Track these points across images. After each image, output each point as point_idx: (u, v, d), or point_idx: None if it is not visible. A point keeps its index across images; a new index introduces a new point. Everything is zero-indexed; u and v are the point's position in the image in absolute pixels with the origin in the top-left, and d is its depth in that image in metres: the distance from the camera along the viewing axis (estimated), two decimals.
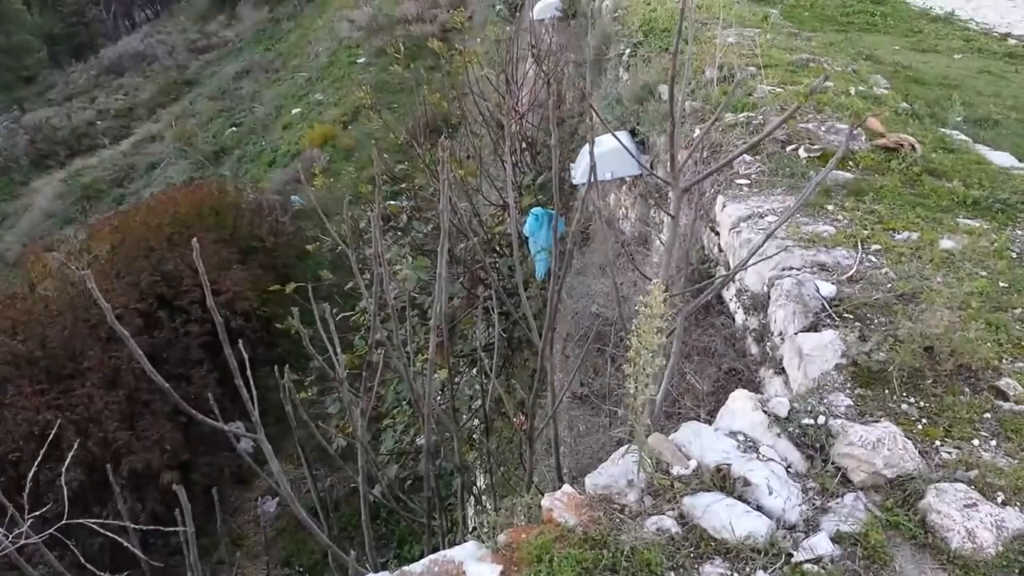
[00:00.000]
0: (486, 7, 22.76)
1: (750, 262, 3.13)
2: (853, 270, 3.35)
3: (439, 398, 5.90)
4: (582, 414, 4.50)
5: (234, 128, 28.99)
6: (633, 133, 6.35)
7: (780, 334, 3.26)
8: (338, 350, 4.10)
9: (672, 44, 6.41)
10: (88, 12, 58.89)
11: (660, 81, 6.12)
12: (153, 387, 11.08)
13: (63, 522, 3.24)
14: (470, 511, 5.77)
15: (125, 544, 3.59)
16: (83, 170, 32.46)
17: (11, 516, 3.07)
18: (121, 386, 11.54)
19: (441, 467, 6.40)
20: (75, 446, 9.87)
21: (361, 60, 27.74)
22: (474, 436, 6.69)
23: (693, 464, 2.29)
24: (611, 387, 4.32)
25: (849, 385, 2.71)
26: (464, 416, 6.42)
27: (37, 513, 3.08)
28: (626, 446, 2.32)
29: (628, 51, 7.46)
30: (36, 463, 3.85)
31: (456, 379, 7.66)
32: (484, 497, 5.71)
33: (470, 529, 4.76)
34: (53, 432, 7.67)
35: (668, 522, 2.11)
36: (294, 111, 26.87)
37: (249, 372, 3.60)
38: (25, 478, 3.62)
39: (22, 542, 2.97)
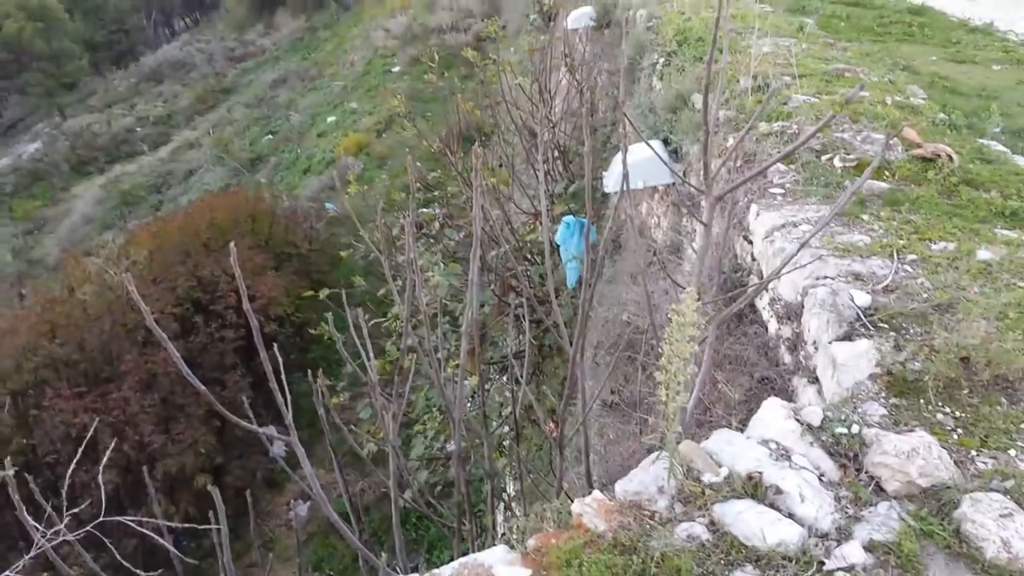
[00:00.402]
0: (520, 17, 22.88)
1: (784, 271, 3.12)
2: (888, 280, 3.32)
3: (469, 405, 5.92)
4: (612, 421, 4.50)
5: (270, 136, 29.41)
6: (666, 142, 6.35)
7: (814, 343, 3.24)
8: (371, 355, 4.15)
9: (706, 54, 6.42)
10: (128, 20, 60.21)
11: (694, 90, 6.12)
12: (188, 391, 11.27)
13: (99, 520, 3.31)
14: (499, 517, 5.78)
15: (160, 542, 3.66)
16: (122, 176, 33.11)
17: (48, 516, 3.15)
18: (156, 390, 11.75)
19: (471, 473, 6.42)
20: (111, 448, 10.08)
21: (395, 69, 28.02)
22: (504, 443, 6.71)
23: (724, 472, 2.29)
24: (641, 395, 4.32)
25: (883, 395, 2.68)
26: (494, 423, 6.44)
27: (74, 511, 3.15)
28: (657, 453, 2.32)
29: (662, 60, 7.47)
30: (73, 464, 3.94)
31: (487, 386, 7.69)
32: (514, 503, 5.72)
33: (499, 535, 4.77)
34: (90, 434, 7.82)
35: (698, 529, 2.10)
36: (329, 119, 27.19)
37: (283, 377, 3.66)
38: (62, 479, 3.70)
39: (59, 539, 3.04)
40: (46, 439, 10.88)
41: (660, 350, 2.26)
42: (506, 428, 6.40)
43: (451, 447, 5.80)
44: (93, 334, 12.55)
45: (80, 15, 52.69)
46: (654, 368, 4.19)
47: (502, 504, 5.90)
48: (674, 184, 6.03)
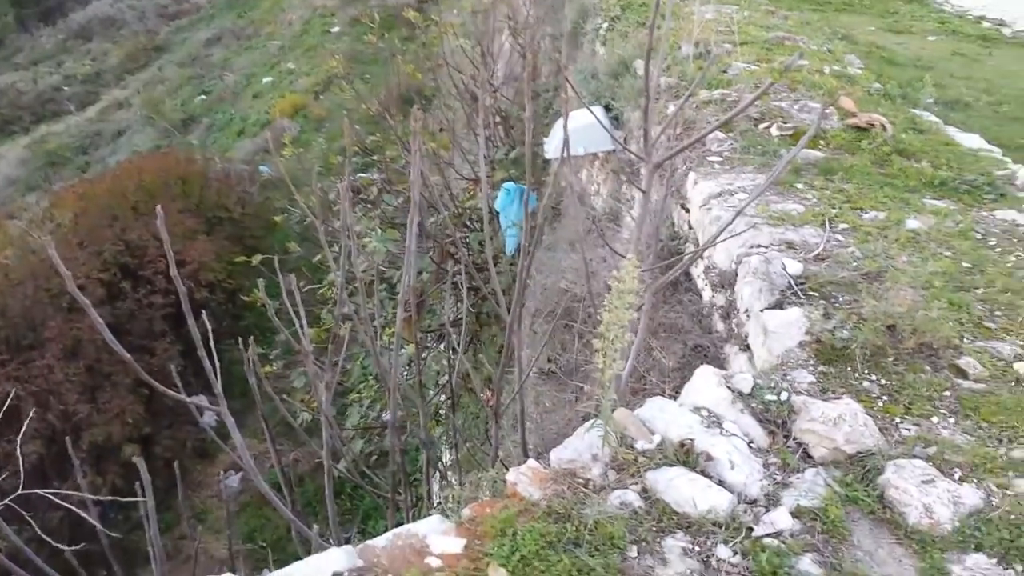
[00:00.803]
0: None
1: (719, 239, 3.12)
2: (820, 248, 3.36)
3: (406, 373, 5.86)
4: (549, 390, 4.50)
5: (203, 96, 28.47)
6: (608, 108, 6.31)
7: (746, 311, 3.27)
8: (304, 323, 4.04)
9: (649, 19, 6.38)
10: None
11: (636, 56, 6.08)
12: (115, 359, 10.92)
13: (19, 492, 3.17)
14: (435, 486, 5.77)
15: (84, 517, 3.53)
16: (48, 136, 31.75)
17: None
18: (82, 357, 11.35)
19: (407, 442, 6.39)
20: (31, 418, 9.73)
21: (335, 29, 27.31)
22: (440, 411, 6.68)
23: (657, 439, 2.29)
24: (578, 363, 4.32)
25: (812, 362, 2.72)
26: (431, 391, 6.41)
27: None
28: (592, 420, 2.31)
29: (605, 25, 7.41)
30: None
31: (423, 354, 7.63)
32: (450, 472, 5.71)
33: (435, 504, 4.75)
34: (8, 402, 7.53)
35: (631, 496, 2.10)
36: (265, 80, 26.43)
37: (213, 345, 3.53)
38: None
39: None
40: None
41: (598, 317, 2.23)
42: (443, 397, 6.37)
43: (387, 416, 5.74)
44: (15, 300, 12.04)
45: None
46: (591, 336, 4.19)
47: (438, 473, 5.89)
48: (615, 151, 6.00)
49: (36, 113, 36.15)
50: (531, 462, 2.30)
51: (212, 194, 16.42)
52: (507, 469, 2.33)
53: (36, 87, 38.42)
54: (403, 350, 4.41)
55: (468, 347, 7.43)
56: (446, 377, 5.58)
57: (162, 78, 32.86)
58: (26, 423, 8.76)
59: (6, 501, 3.06)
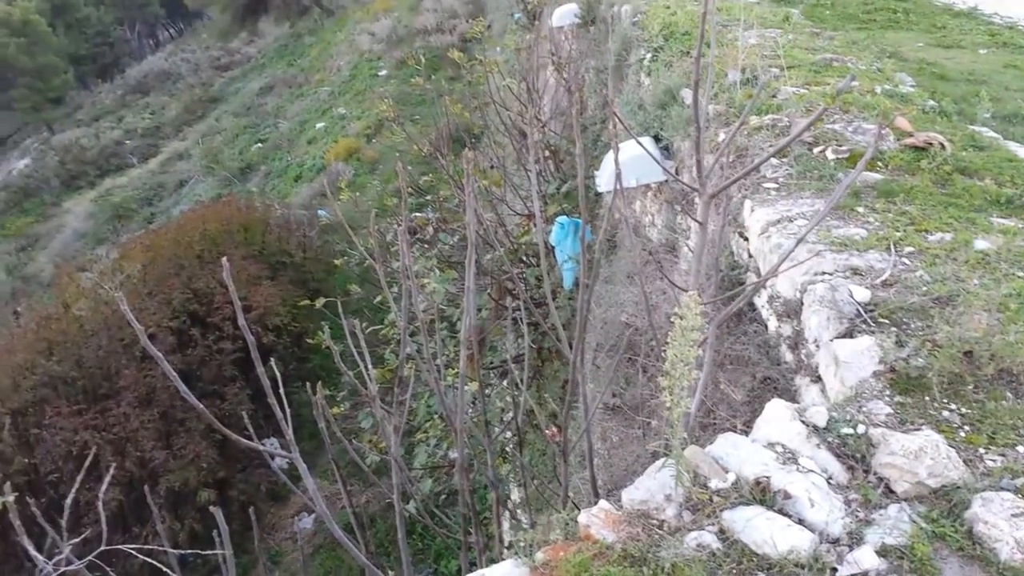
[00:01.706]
0: (504, 16, 22.84)
1: (781, 268, 3.10)
2: (887, 274, 3.30)
3: (470, 411, 5.90)
4: (615, 425, 4.48)
5: (259, 144, 29.33)
6: (657, 139, 6.32)
7: (815, 341, 3.22)
8: (369, 365, 4.12)
9: (693, 47, 6.39)
10: (112, 32, 60.02)
11: (682, 85, 6.09)
12: (188, 405, 11.17)
13: (103, 548, 3.28)
14: (505, 525, 5.76)
15: (165, 560, 3.64)
16: (113, 189, 33.02)
17: (52, 541, 3.12)
18: (156, 404, 11.69)
19: (475, 481, 6.40)
20: (113, 467, 10.02)
21: (382, 73, 27.96)
22: (506, 449, 6.68)
23: (732, 477, 2.27)
24: (643, 397, 4.30)
25: (888, 392, 2.66)
26: (496, 429, 6.42)
27: (77, 540, 3.12)
28: (663, 460, 2.30)
29: (649, 56, 7.44)
30: (76, 486, 3.91)
31: (487, 391, 7.66)
32: (519, 511, 5.70)
33: (506, 544, 4.75)
34: (91, 455, 7.78)
35: (708, 537, 2.08)
36: (318, 125, 27.12)
37: (282, 389, 3.63)
38: (64, 498, 3.68)
39: (63, 569, 3.01)
40: (48, 458, 10.82)
41: (661, 352, 2.23)
42: (508, 434, 6.38)
43: (454, 455, 5.78)
44: (90, 350, 12.48)
45: (63, 29, 52.49)
46: (655, 370, 4.17)
47: (507, 512, 5.88)
48: (667, 181, 6.00)
49: (100, 167, 37.66)
50: (603, 503, 2.30)
51: (274, 240, 16.86)
52: (578, 509, 2.34)
53: (99, 142, 40.07)
54: (467, 388, 4.45)
55: (531, 383, 7.44)
56: (510, 414, 5.60)
57: (219, 128, 33.97)
58: (109, 474, 9.03)
59: (90, 557, 3.17)
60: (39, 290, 24.66)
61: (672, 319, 2.22)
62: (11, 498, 2.71)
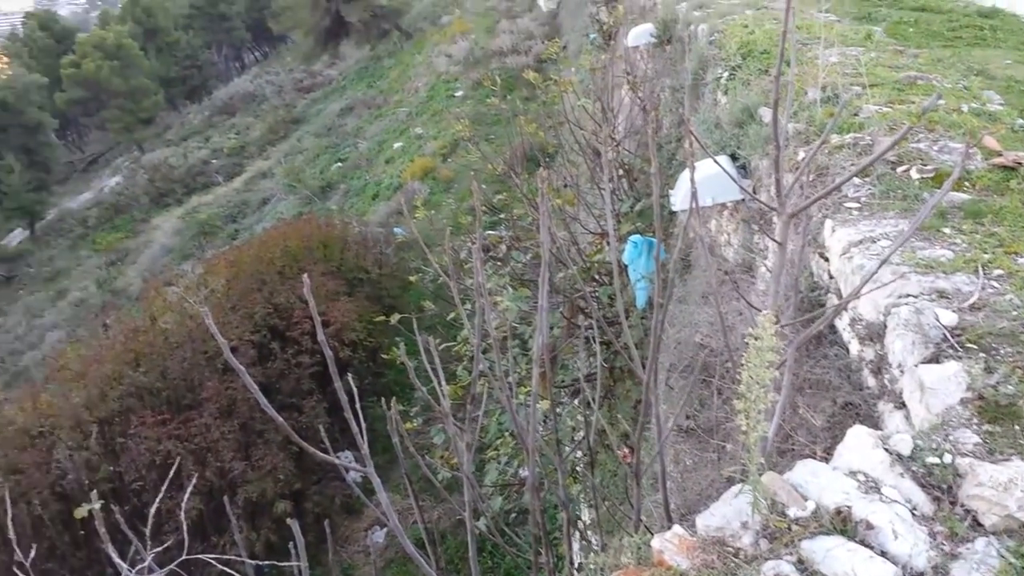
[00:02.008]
0: (580, 36, 22.93)
1: (863, 290, 3.01)
2: (975, 297, 3.17)
3: (542, 430, 5.89)
4: (689, 448, 4.41)
5: (339, 163, 30.09)
6: (734, 157, 6.24)
7: (899, 366, 3.12)
8: (442, 382, 4.16)
9: (771, 66, 6.29)
10: (201, 55, 62.68)
11: (761, 103, 6.00)
12: (267, 417, 11.49)
13: (184, 557, 3.38)
14: (575, 546, 5.71)
15: (242, 570, 3.74)
16: (199, 207, 34.33)
17: (134, 548, 3.24)
18: (237, 416, 12.04)
19: (545, 500, 6.38)
20: (194, 477, 10.37)
21: (459, 93, 28.39)
22: (577, 469, 6.64)
23: (811, 505, 2.21)
24: (719, 420, 4.22)
25: (976, 420, 2.56)
26: (567, 448, 6.40)
27: (157, 549, 3.23)
28: (739, 486, 2.26)
29: (726, 74, 7.36)
30: (160, 494, 4.06)
31: (558, 410, 7.64)
32: (590, 532, 5.65)
33: (576, 566, 4.71)
34: (175, 466, 8.05)
35: (786, 567, 2.03)
36: (396, 145, 27.68)
37: (357, 403, 3.71)
38: (148, 506, 3.82)
39: None
40: (132, 466, 11.24)
41: (736, 374, 2.20)
42: (579, 454, 6.34)
43: (524, 473, 5.78)
44: (175, 362, 12.95)
45: (154, 52, 55.10)
46: (731, 392, 4.10)
47: (577, 533, 5.83)
48: (744, 200, 5.91)
49: (188, 185, 39.25)
50: (676, 528, 2.26)
51: (351, 256, 17.25)
52: (650, 533, 2.31)
53: (186, 161, 41.78)
54: (538, 406, 4.45)
55: (603, 403, 7.39)
56: (582, 433, 5.57)
57: (301, 148, 35.00)
58: (191, 484, 9.35)
59: (171, 566, 3.28)
60: (127, 303, 25.77)
61: (748, 341, 2.18)
62: (97, 506, 2.82)
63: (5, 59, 54.64)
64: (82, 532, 10.43)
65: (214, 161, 40.82)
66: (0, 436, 11.72)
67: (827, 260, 4.13)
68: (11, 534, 3.70)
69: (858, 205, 4.24)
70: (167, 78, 56.18)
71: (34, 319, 31.57)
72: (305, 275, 3.50)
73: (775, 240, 3.42)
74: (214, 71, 64.75)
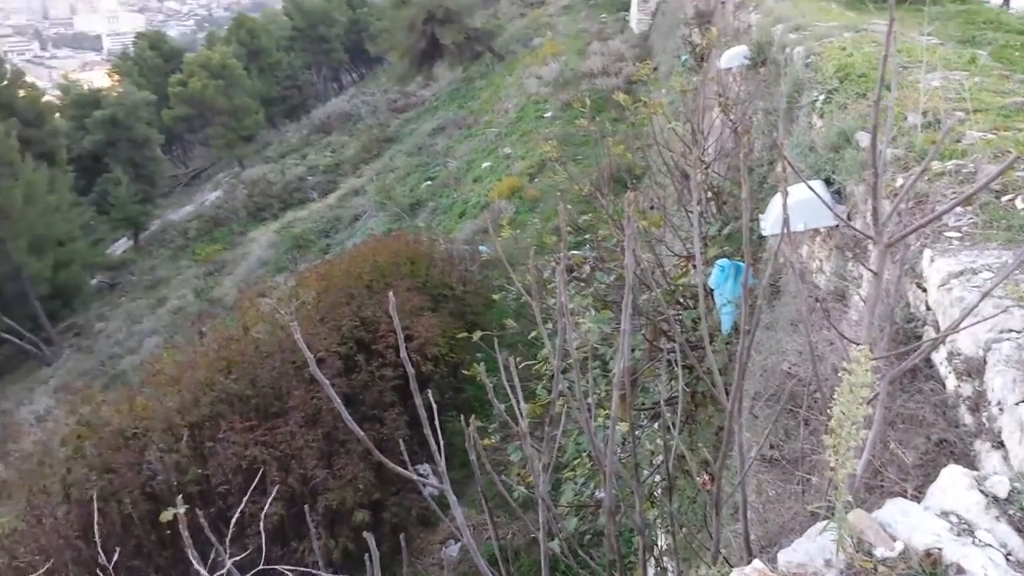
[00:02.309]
0: (671, 58, 22.80)
1: (963, 323, 2.89)
2: None
3: (620, 452, 5.83)
4: (772, 479, 4.29)
5: (429, 181, 30.67)
6: (828, 182, 6.08)
7: (998, 404, 2.96)
8: (521, 402, 4.18)
9: (870, 89, 6.11)
10: (301, 76, 65.12)
11: (858, 128, 5.84)
12: (349, 428, 11.69)
13: (261, 567, 3.48)
14: (651, 572, 5.62)
15: None
16: (294, 222, 35.52)
17: (215, 557, 3.35)
18: (321, 425, 12.32)
19: (621, 524, 6.30)
20: (276, 481, 10.65)
21: (548, 114, 28.58)
22: (655, 494, 6.54)
23: (899, 546, 2.12)
24: (804, 452, 4.10)
25: None
26: (645, 472, 6.31)
27: (240, 556, 3.34)
28: (824, 522, 2.19)
29: (822, 98, 7.19)
30: (246, 497, 4.20)
31: (637, 433, 7.55)
32: (666, 559, 5.56)
33: None
34: (261, 470, 8.30)
35: None
36: (484, 165, 28.04)
37: (437, 417, 3.77)
38: (233, 509, 3.94)
39: None
40: (219, 470, 11.60)
41: (825, 406, 2.14)
42: (657, 478, 6.25)
43: (601, 495, 5.72)
44: (264, 371, 13.35)
45: (256, 72, 57.50)
46: (818, 424, 3.97)
47: (653, 559, 5.74)
48: (838, 226, 5.74)
49: (284, 201, 40.68)
50: (757, 562, 2.21)
51: (437, 273, 17.51)
52: (728, 565, 2.26)
53: (284, 177, 43.34)
54: (617, 428, 4.41)
55: (683, 428, 7.27)
56: (660, 458, 5.49)
57: (392, 166, 35.83)
58: (274, 490, 9.62)
59: (251, 575, 3.38)
60: (223, 312, 26.79)
61: (840, 373, 2.12)
62: (182, 510, 2.93)
63: (117, 77, 57.79)
64: (168, 532, 10.80)
65: (310, 178, 42.23)
66: (96, 436, 12.25)
67: (924, 291, 3.98)
68: (97, 537, 3.86)
69: (959, 235, 4.07)
70: (268, 97, 58.56)
71: (134, 325, 33.21)
72: (390, 293, 3.59)
73: (870, 269, 3.32)
74: (313, 91, 67.12)
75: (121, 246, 46.48)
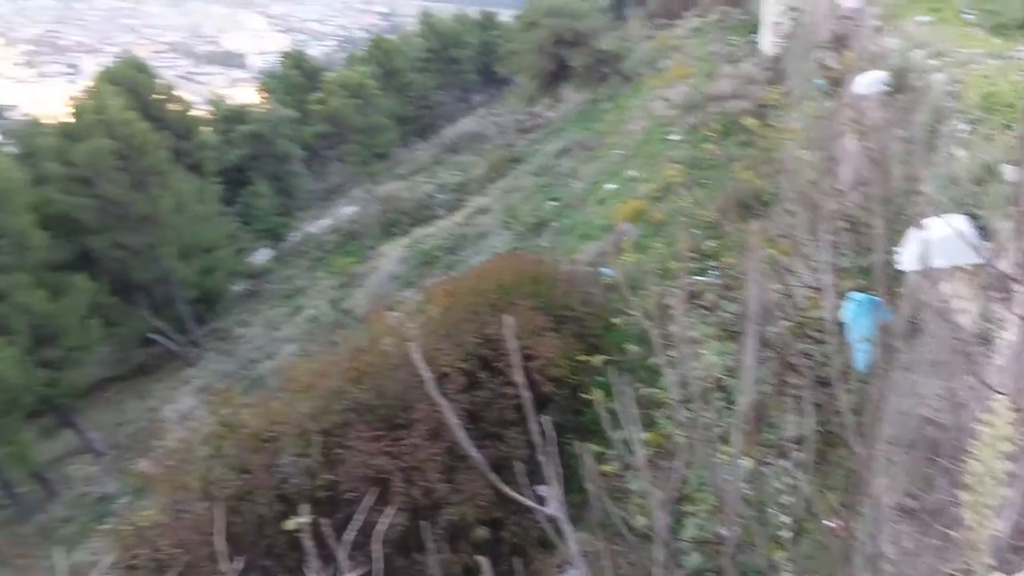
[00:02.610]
0: (804, 82, 22.15)
1: None
2: None
3: (744, 489, 5.74)
4: (908, 530, 4.14)
5: (553, 202, 30.93)
6: (972, 217, 5.81)
7: None
8: (638, 432, 4.21)
9: (1017, 120, 5.82)
10: (432, 96, 67.18)
11: (1004, 160, 5.56)
12: (472, 441, 11.84)
13: None
14: None
15: None
16: (423, 238, 36.59)
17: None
18: (444, 439, 12.58)
19: (744, 564, 6.18)
20: (401, 493, 10.94)
21: (674, 137, 28.30)
22: (781, 535, 6.37)
23: None
24: (944, 504, 3.93)
25: None
26: (771, 512, 6.16)
27: (361, 572, 3.52)
28: None
29: (965, 127, 6.88)
30: (368, 507, 4.40)
31: (763, 471, 7.38)
32: None
33: None
34: (387, 480, 8.55)
35: None
36: (608, 186, 28.03)
37: (556, 440, 3.85)
38: (357, 516, 4.14)
39: None
40: (347, 477, 12.01)
41: (966, 458, 2.10)
42: (784, 519, 6.09)
43: (724, 532, 5.65)
44: (392, 382, 13.77)
45: (391, 92, 59.67)
46: (959, 475, 3.81)
47: None
48: (983, 264, 5.48)
49: (413, 217, 41.98)
50: None
51: (559, 294, 17.60)
52: None
53: (414, 194, 44.76)
54: (741, 464, 4.37)
55: (813, 467, 7.05)
56: (788, 498, 5.37)
57: (518, 186, 36.35)
58: (398, 501, 9.89)
59: None
60: (354, 323, 27.88)
61: (980, 426, 2.08)
62: (307, 519, 3.10)
63: (264, 94, 61.10)
64: (298, 534, 11.26)
65: (438, 195, 43.43)
66: (235, 437, 12.92)
67: None
68: (219, 545, 4.09)
69: None
70: (401, 116, 60.65)
71: (273, 331, 35.02)
72: (509, 317, 3.72)
73: (1016, 314, 3.19)
74: (443, 111, 69.08)
75: (263, 256, 49.02)
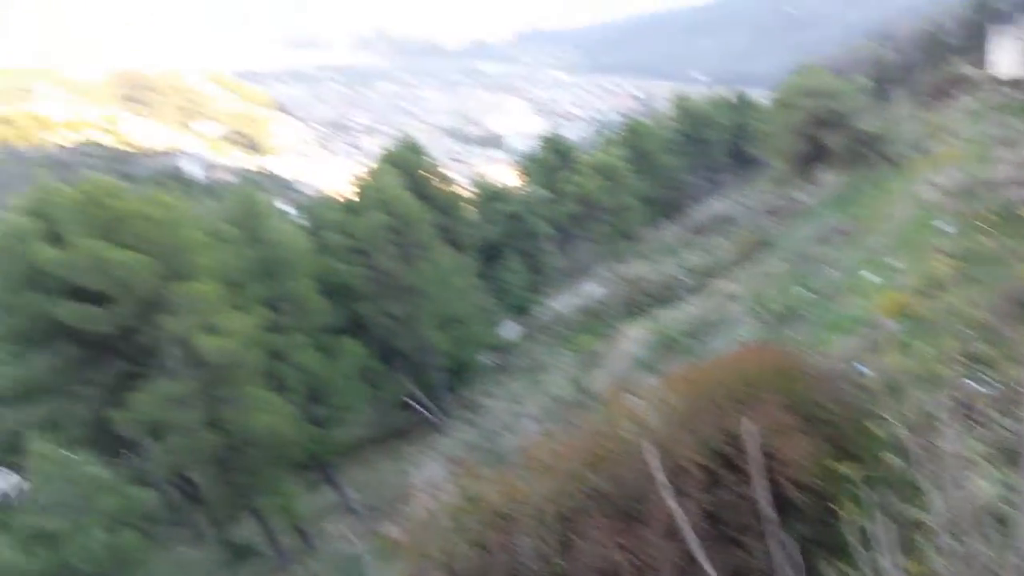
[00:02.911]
0: None
1: None
2: None
3: None
4: None
5: (804, 290, 29.68)
6: None
7: None
8: (897, 560, 4.05)
9: None
10: (681, 177, 67.60)
11: None
12: (709, 548, 11.24)
13: None
14: None
15: None
16: (665, 321, 36.46)
17: None
18: (680, 538, 12.22)
19: None
20: None
21: (944, 226, 26.21)
22: None
23: None
24: None
25: None
26: None
27: None
28: None
29: None
30: None
31: None
32: None
33: None
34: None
35: None
36: (867, 276, 26.45)
37: (801, 557, 3.79)
38: None
39: None
40: (578, 566, 11.91)
41: None
42: None
43: None
44: (629, 471, 13.72)
45: (642, 173, 60.90)
46: None
47: None
48: None
49: (656, 298, 42.01)
50: None
51: (809, 390, 16.74)
52: None
53: (659, 276, 44.87)
54: None
55: None
56: None
57: (767, 272, 35.31)
58: None
59: None
60: (593, 403, 28.22)
61: None
62: None
63: (523, 176, 64.53)
64: None
65: (683, 278, 43.24)
66: (475, 512, 13.37)
67: None
68: None
69: None
70: (649, 197, 61.58)
71: (515, 405, 36.26)
72: (749, 422, 3.78)
73: None
74: (691, 192, 69.18)
75: (509, 329, 51.23)
